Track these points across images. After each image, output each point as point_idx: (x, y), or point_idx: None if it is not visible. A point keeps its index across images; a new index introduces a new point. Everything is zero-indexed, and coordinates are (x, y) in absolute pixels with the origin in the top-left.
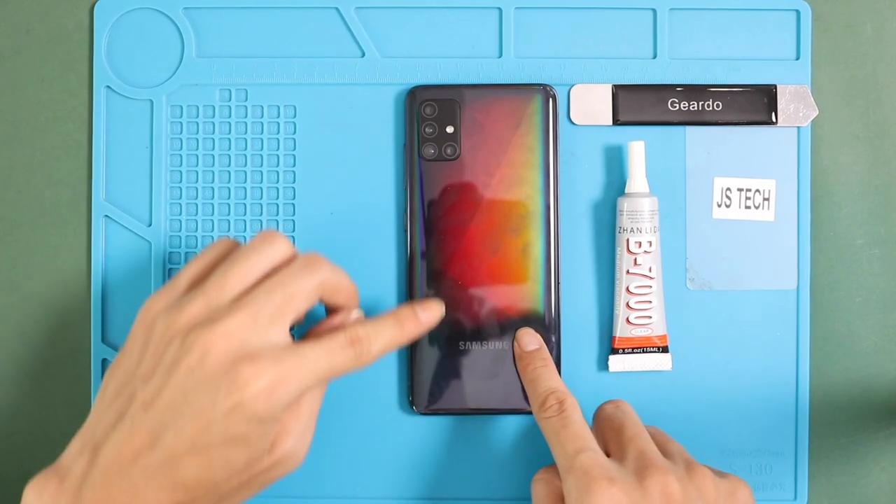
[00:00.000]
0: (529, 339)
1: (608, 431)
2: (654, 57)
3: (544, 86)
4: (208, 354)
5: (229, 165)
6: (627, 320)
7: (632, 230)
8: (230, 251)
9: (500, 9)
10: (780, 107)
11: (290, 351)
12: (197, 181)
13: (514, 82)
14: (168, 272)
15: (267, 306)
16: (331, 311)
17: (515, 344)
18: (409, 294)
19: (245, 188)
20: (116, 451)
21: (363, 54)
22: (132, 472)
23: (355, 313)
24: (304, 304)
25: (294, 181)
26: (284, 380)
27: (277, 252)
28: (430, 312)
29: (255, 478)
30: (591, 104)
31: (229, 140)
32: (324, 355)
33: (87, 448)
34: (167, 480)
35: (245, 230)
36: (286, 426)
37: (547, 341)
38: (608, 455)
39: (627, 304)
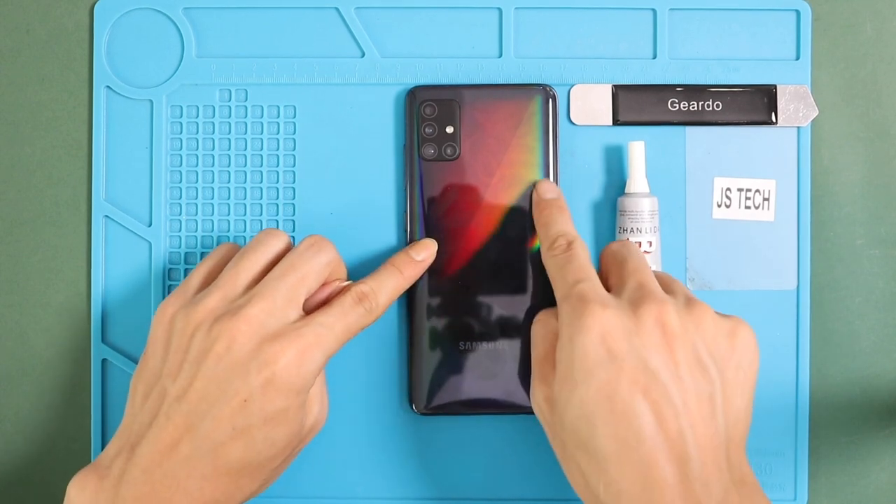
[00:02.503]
0: (548, 187)
1: (611, 265)
2: (654, 57)
3: (544, 86)
4: (234, 341)
5: (229, 165)
6: None
7: (632, 230)
8: (234, 251)
9: (500, 9)
10: (780, 107)
11: (307, 324)
12: (197, 181)
13: (514, 82)
14: (168, 272)
15: (282, 289)
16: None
17: (534, 192)
18: (409, 294)
19: (245, 188)
20: (154, 447)
21: (363, 54)
22: (172, 465)
23: (345, 280)
24: (314, 282)
25: (294, 181)
26: (309, 350)
27: (280, 244)
28: (425, 251)
29: (295, 451)
30: (591, 104)
31: (229, 140)
32: (338, 319)
33: (125, 449)
34: (210, 468)
35: (245, 230)
36: (310, 394)
37: None
38: (609, 290)
39: None
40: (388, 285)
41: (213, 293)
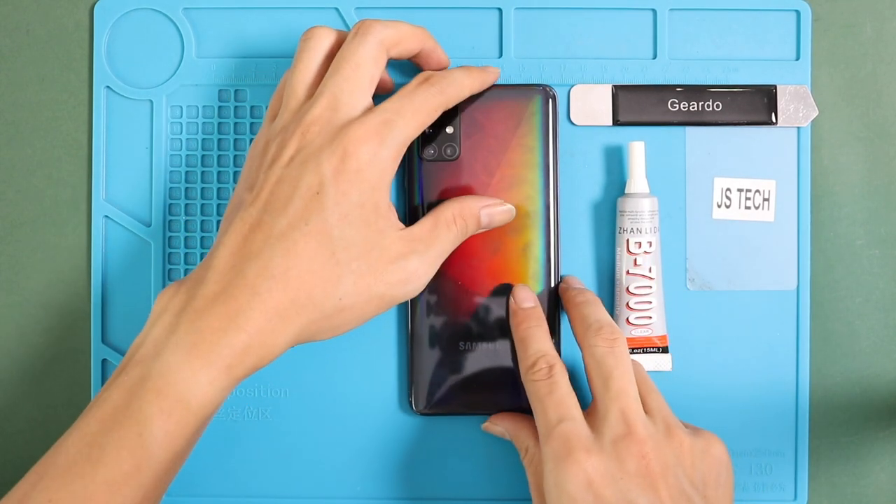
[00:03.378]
0: (525, 295)
1: (596, 378)
2: (654, 57)
3: (544, 86)
4: (304, 139)
5: (229, 165)
6: (627, 320)
7: (632, 230)
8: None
9: (500, 9)
10: (780, 107)
11: (374, 109)
12: (197, 181)
13: (514, 82)
14: (168, 272)
15: (340, 84)
16: (417, 63)
17: (511, 299)
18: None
19: None
20: (227, 249)
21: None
22: (244, 263)
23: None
24: (372, 68)
25: None
26: (379, 130)
27: (326, 40)
28: (490, 69)
29: (375, 282)
30: (591, 104)
31: (229, 140)
32: (404, 101)
33: (206, 258)
34: (280, 268)
35: None
36: (413, 246)
37: None
38: (592, 403)
39: (627, 305)
40: (457, 74)
41: (283, 114)
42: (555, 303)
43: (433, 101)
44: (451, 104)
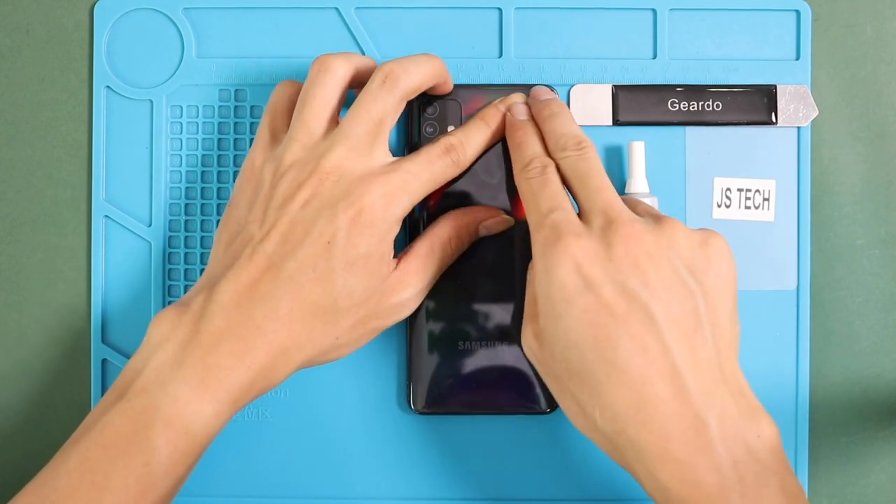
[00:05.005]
0: (521, 109)
1: (573, 182)
2: (654, 57)
3: (544, 86)
4: (321, 185)
5: (229, 165)
6: None
7: None
8: (295, 91)
9: (500, 9)
10: (780, 107)
11: (394, 167)
12: (197, 181)
13: (514, 82)
14: (168, 272)
15: (361, 135)
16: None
17: (508, 113)
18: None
19: None
20: (234, 285)
21: (363, 54)
22: (250, 303)
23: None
24: (394, 119)
25: None
26: (396, 193)
27: (341, 71)
28: (509, 102)
29: (370, 320)
30: (591, 104)
31: (229, 140)
32: (424, 167)
33: (205, 288)
34: (286, 310)
35: None
36: (406, 279)
37: None
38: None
39: None
40: (476, 138)
41: (292, 144)
42: None
43: (449, 172)
44: (461, 172)
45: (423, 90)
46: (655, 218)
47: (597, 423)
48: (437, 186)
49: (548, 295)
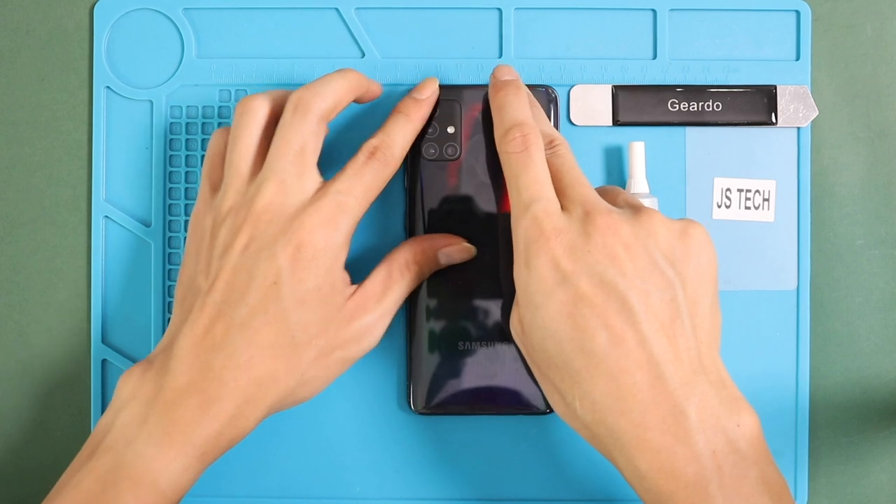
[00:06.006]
0: (506, 70)
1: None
2: (654, 57)
3: (544, 86)
4: (256, 229)
5: None
6: None
7: None
8: (225, 139)
9: (500, 9)
10: (780, 107)
11: (325, 194)
12: (197, 181)
13: None
14: (168, 272)
15: (286, 167)
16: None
17: (491, 76)
18: (409, 293)
19: None
20: (189, 339)
21: (363, 55)
22: (208, 355)
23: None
24: (316, 144)
25: None
26: (331, 218)
27: (261, 110)
28: (428, 89)
29: (333, 350)
30: (591, 105)
31: None
32: (354, 180)
33: (166, 342)
34: (244, 357)
35: None
36: (365, 305)
37: None
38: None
39: None
40: (398, 132)
41: (227, 192)
42: None
43: (381, 175)
44: (396, 169)
45: (342, 107)
46: (634, 208)
47: (577, 412)
48: (376, 193)
49: (526, 286)
